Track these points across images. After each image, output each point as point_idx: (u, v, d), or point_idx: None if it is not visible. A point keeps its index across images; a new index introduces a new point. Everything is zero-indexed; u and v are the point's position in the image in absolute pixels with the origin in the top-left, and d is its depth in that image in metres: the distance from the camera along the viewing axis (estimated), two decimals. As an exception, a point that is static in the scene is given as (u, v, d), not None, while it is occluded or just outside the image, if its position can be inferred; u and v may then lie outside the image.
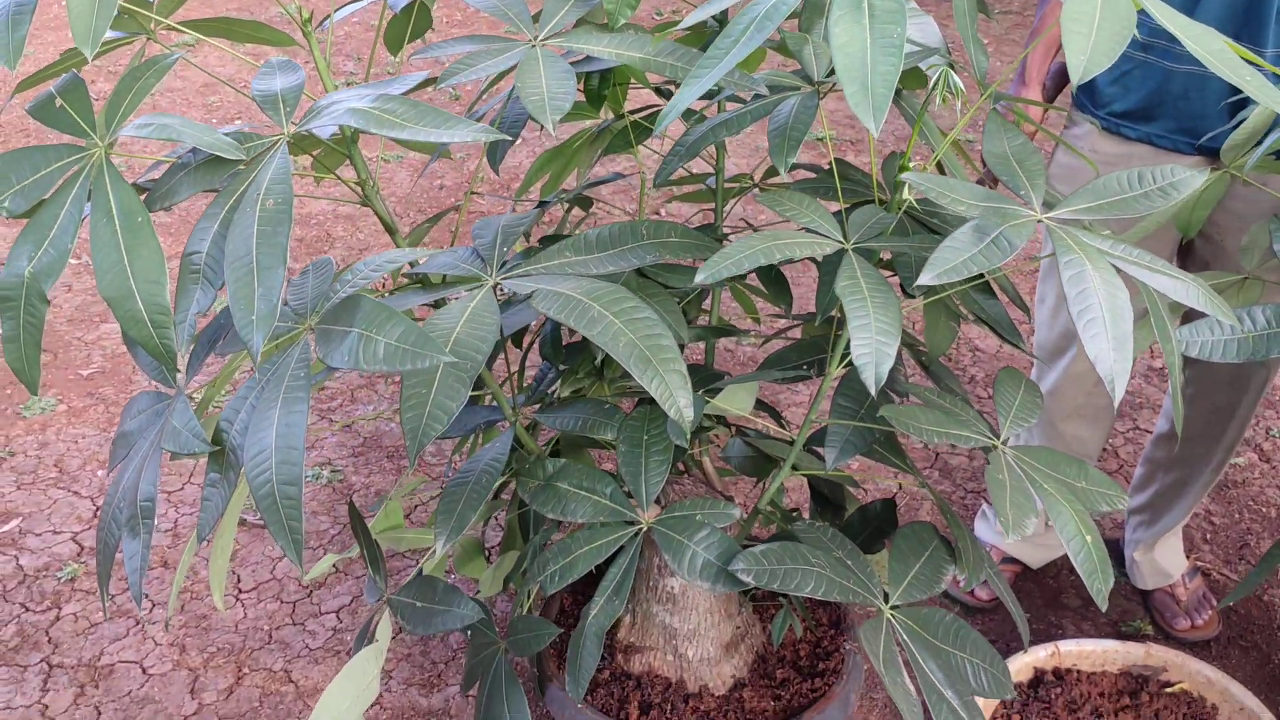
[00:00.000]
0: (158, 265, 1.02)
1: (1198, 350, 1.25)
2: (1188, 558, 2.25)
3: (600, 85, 1.51)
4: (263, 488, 1.00)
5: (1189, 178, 1.05)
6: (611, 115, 1.60)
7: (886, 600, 1.29)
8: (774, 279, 1.52)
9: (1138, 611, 2.23)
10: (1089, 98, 1.80)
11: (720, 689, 1.62)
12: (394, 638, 2.15)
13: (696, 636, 1.60)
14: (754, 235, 1.06)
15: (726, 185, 1.60)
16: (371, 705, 2.01)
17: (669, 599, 1.58)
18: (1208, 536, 2.42)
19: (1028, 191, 1.08)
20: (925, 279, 0.95)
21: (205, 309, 1.03)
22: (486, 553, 1.80)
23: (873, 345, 1.01)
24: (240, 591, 2.28)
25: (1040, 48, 1.86)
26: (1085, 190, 1.06)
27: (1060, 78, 1.88)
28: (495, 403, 1.54)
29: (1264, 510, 2.48)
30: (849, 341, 1.05)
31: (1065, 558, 2.32)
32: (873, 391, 0.98)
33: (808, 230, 1.12)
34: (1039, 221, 1.02)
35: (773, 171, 1.47)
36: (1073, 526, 1.15)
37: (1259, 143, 1.34)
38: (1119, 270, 1.00)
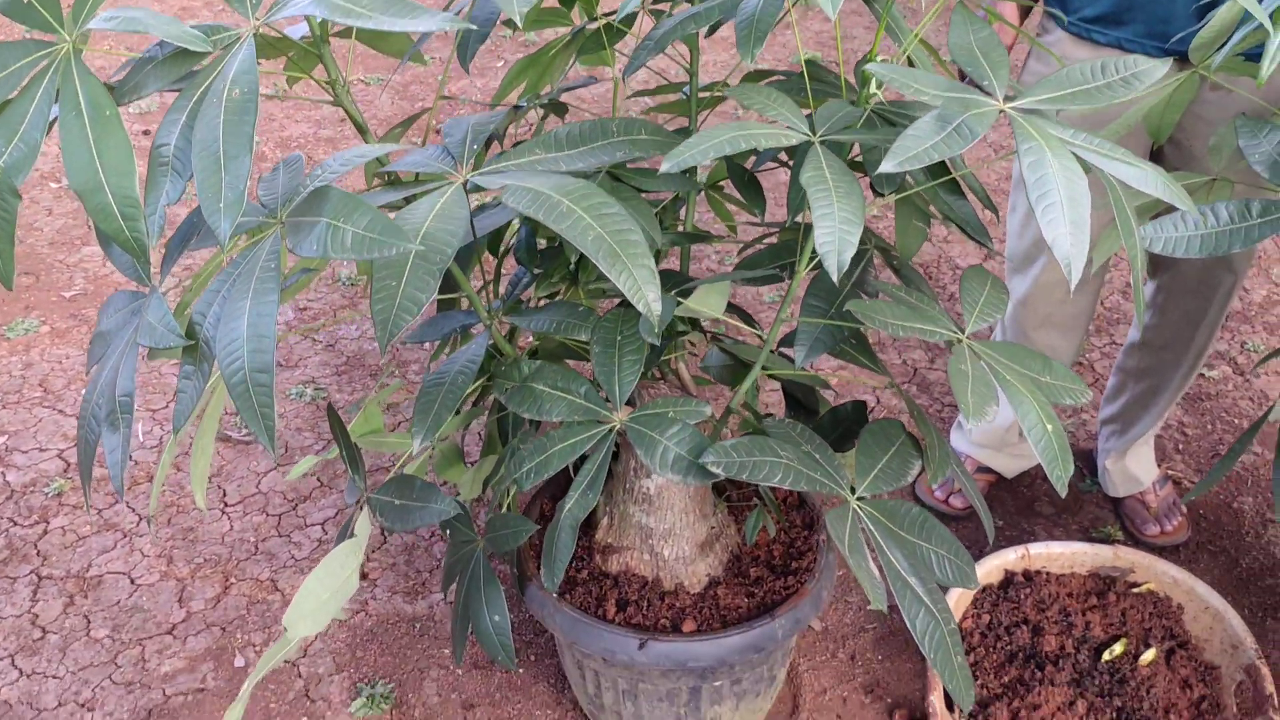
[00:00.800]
0: (126, 158, 1.02)
1: (1161, 246, 1.27)
2: (1159, 466, 2.29)
3: (573, -13, 1.51)
4: (235, 375, 1.01)
5: (1152, 68, 1.06)
6: (585, 19, 1.59)
7: (853, 493, 1.31)
8: (747, 182, 1.53)
9: (1109, 519, 2.27)
10: (1060, 4, 1.80)
11: (695, 587, 1.66)
12: (379, 548, 2.19)
13: (672, 536, 1.63)
14: (721, 126, 1.07)
15: (701, 94, 1.60)
16: (357, 612, 2.05)
17: (645, 500, 1.61)
18: (1180, 447, 2.46)
19: (991, 82, 1.09)
20: (887, 166, 0.96)
21: (175, 200, 1.04)
22: (466, 460, 1.82)
23: (836, 233, 1.02)
24: (226, 505, 2.31)
25: None
26: (1048, 81, 1.07)
27: None
28: (471, 308, 1.55)
29: (1236, 421, 2.52)
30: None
31: (1039, 468, 2.36)
32: (835, 278, 1.00)
33: (775, 125, 1.12)
34: (1001, 111, 1.03)
35: (746, 79, 1.47)
36: (1034, 416, 1.18)
37: (1226, 42, 1.34)
38: (1080, 160, 1.02)
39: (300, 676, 1.93)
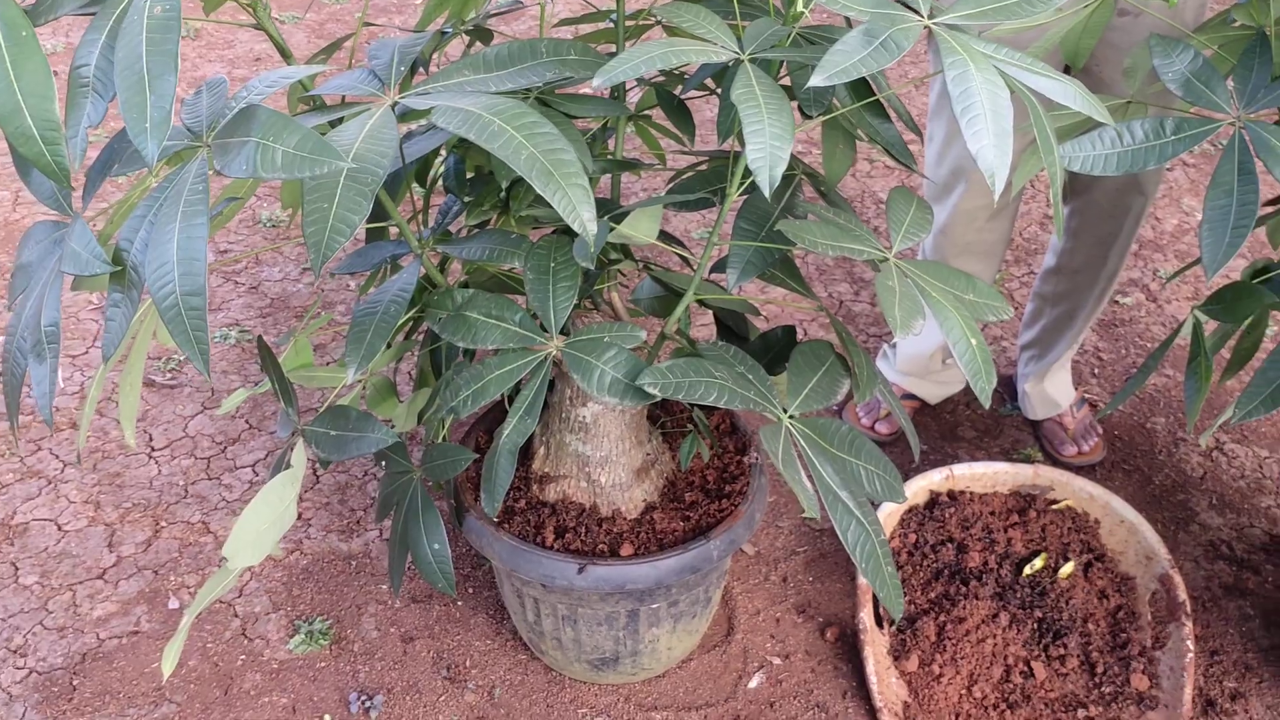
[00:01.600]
0: (44, 80, 1.00)
1: (1080, 164, 1.30)
2: (1076, 390, 2.36)
3: (497, -89, 1.49)
4: (167, 299, 1.00)
5: (1070, -17, 1.08)
6: (510, -55, 1.57)
7: (786, 412, 1.34)
8: (676, 108, 1.53)
9: (1028, 441, 2.35)
10: None
11: (632, 512, 1.68)
12: (312, 487, 2.18)
13: (608, 463, 1.65)
14: (653, 42, 1.07)
15: (628, 23, 1.60)
16: (292, 551, 2.05)
17: (581, 428, 1.62)
18: (1096, 371, 2.54)
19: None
20: (817, 80, 0.97)
21: (96, 122, 1.02)
22: (399, 397, 1.82)
23: (767, 149, 1.03)
24: (153, 449, 2.28)
25: None
26: (970, -3, 1.09)
27: None
28: (400, 238, 1.54)
29: (1149, 345, 2.61)
30: (746, 167, 1.07)
31: (961, 394, 2.43)
32: (767, 193, 1.01)
33: (704, 41, 1.13)
34: (925, 26, 1.05)
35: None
36: (959, 331, 1.21)
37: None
38: (1003, 74, 1.04)
39: (236, 616, 1.93)
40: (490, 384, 1.37)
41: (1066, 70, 1.89)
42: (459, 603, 1.97)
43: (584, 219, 1.06)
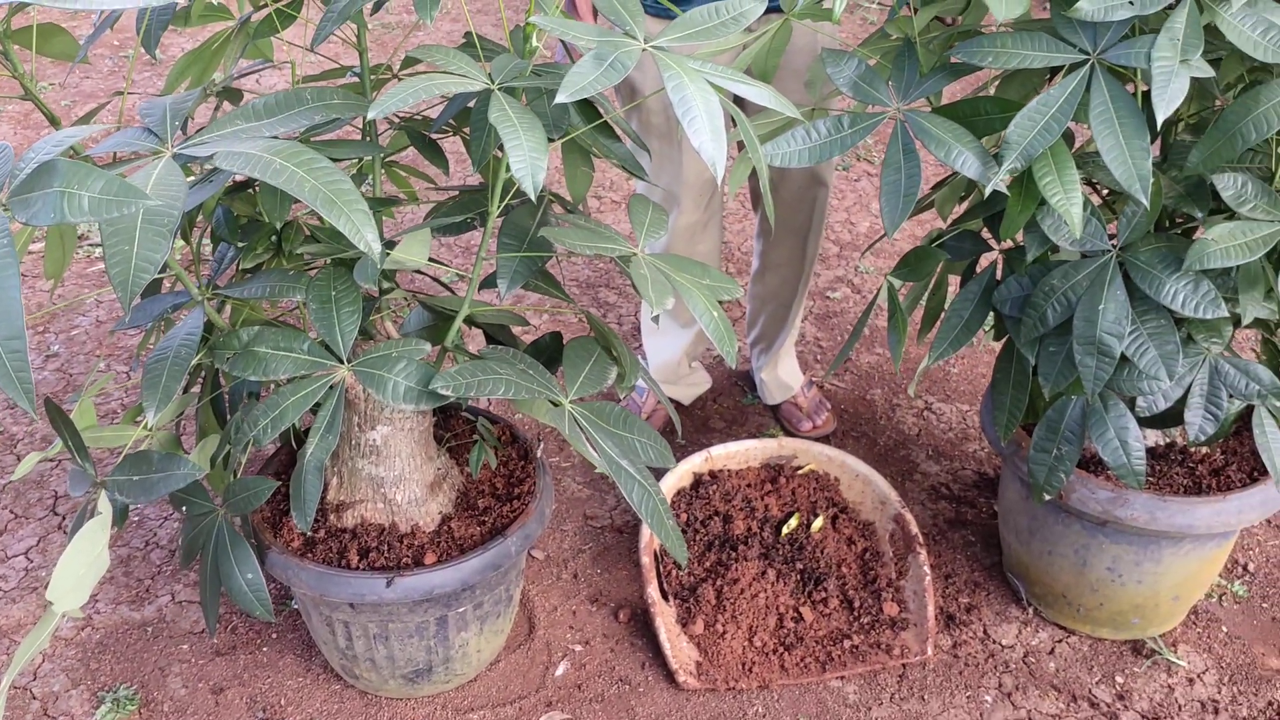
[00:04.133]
0: None
1: (779, 159, 1.55)
2: (804, 374, 2.66)
3: (237, -22, 1.60)
4: (-14, 345, 1.06)
5: (753, 6, 1.32)
6: (251, 9, 1.68)
7: (567, 397, 1.51)
8: (428, 145, 1.68)
9: (770, 424, 2.62)
10: None
11: (430, 525, 1.80)
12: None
13: (402, 481, 1.76)
14: (416, 77, 1.22)
15: (371, 77, 1.73)
16: (82, 628, 2.02)
17: (372, 451, 1.73)
18: (818, 357, 2.85)
19: (632, 28, 1.30)
20: (562, 96, 1.16)
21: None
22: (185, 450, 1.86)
23: (527, 159, 1.20)
24: (-91, 552, 2.18)
25: None
26: (676, 23, 1.31)
27: None
28: (179, 290, 1.61)
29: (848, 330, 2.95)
30: (504, 187, 1.23)
31: (709, 392, 2.67)
32: (533, 196, 1.18)
33: (459, 75, 1.29)
34: (644, 49, 1.25)
35: (411, 61, 1.61)
36: (703, 305, 1.42)
37: (808, -8, 1.65)
38: (711, 83, 1.26)
39: (35, 698, 1.89)
40: (288, 410, 1.47)
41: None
42: (265, 648, 2.01)
43: (368, 239, 1.19)
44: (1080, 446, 1.69)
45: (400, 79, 1.72)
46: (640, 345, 2.72)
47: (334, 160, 1.56)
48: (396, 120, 1.76)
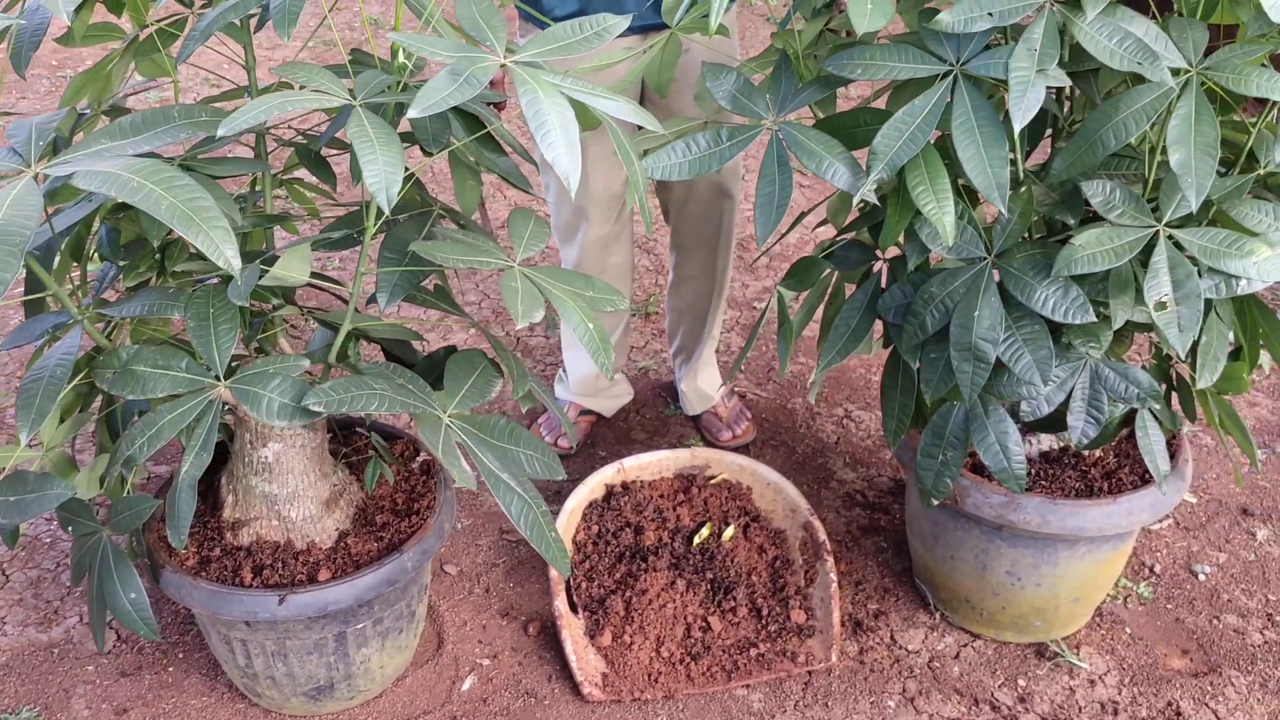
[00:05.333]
0: None
1: (660, 173, 1.56)
2: (726, 384, 2.67)
3: (117, -4, 1.60)
4: None
5: (616, 22, 1.33)
6: (137, 28, 1.68)
7: (445, 411, 1.51)
8: (316, 161, 1.69)
9: (691, 434, 2.63)
10: (535, 5, 2.08)
11: (327, 541, 1.79)
12: (1, 586, 2.14)
13: (296, 498, 1.76)
14: (268, 95, 1.23)
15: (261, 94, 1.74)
16: (-16, 650, 2.00)
17: (265, 469, 1.73)
18: (741, 368, 2.87)
19: (493, 43, 1.31)
20: (413, 112, 1.17)
21: None
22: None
23: (381, 173, 1.21)
24: None
25: None
26: (538, 39, 1.32)
27: None
28: (60, 310, 1.60)
29: (775, 339, 2.97)
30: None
31: (631, 404, 2.68)
32: (386, 209, 1.19)
33: (319, 91, 1.30)
34: (501, 65, 1.26)
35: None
36: (577, 317, 1.43)
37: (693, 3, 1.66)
38: (570, 98, 1.27)
39: (-71, 723, 1.87)
40: (164, 428, 1.46)
41: (642, 101, 2.20)
42: (170, 668, 2.00)
43: (227, 256, 1.19)
44: (964, 451, 1.71)
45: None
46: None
47: (219, 177, 1.58)
48: (287, 138, 1.76)
